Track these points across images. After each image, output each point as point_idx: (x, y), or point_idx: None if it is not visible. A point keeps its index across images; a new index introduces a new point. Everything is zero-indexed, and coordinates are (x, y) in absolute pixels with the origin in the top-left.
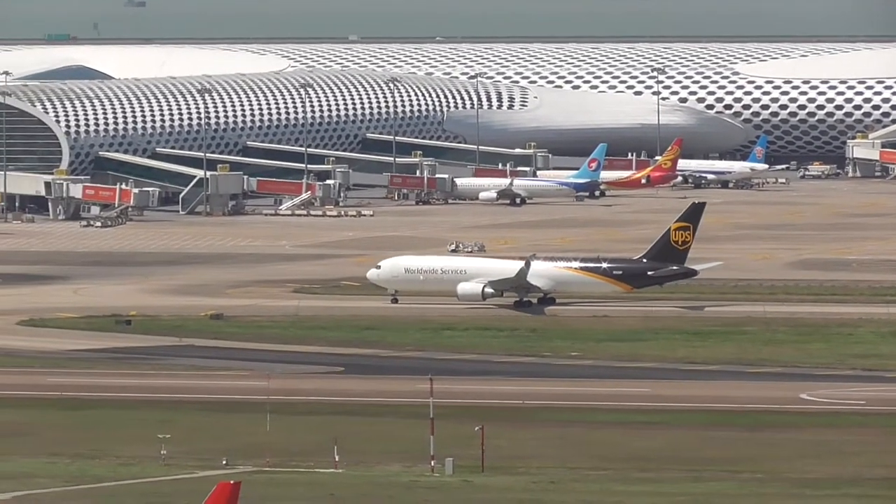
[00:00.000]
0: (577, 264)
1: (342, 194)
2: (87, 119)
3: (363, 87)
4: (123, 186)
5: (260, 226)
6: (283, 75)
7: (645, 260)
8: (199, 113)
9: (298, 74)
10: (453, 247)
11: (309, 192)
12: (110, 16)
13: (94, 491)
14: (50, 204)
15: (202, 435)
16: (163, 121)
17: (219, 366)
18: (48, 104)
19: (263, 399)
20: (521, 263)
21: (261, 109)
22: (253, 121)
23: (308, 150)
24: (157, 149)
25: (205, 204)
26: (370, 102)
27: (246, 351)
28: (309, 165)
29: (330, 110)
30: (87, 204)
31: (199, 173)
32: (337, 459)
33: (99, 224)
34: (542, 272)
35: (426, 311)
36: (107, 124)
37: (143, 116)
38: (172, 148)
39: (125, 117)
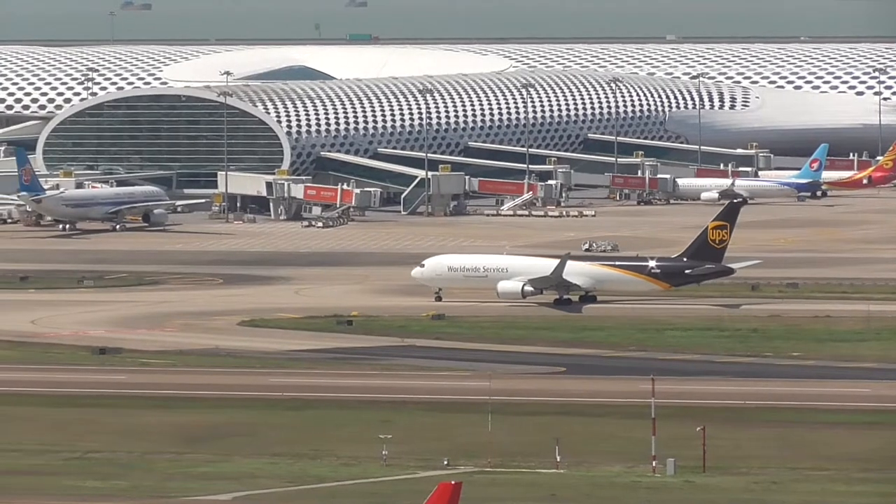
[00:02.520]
0: (616, 263)
1: (564, 194)
2: (308, 119)
3: (585, 87)
4: (345, 187)
5: (481, 226)
6: (504, 75)
7: (685, 259)
8: (420, 113)
9: (520, 75)
10: (587, 246)
11: (530, 192)
12: (331, 15)
13: (316, 491)
14: (271, 204)
15: (423, 435)
16: (384, 121)
17: (440, 366)
18: (269, 104)
19: (485, 399)
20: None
21: (482, 110)
22: (474, 121)
23: (530, 150)
24: (379, 149)
25: (426, 204)
26: (592, 103)
27: (467, 351)
28: (530, 166)
29: (552, 110)
30: (309, 204)
31: (421, 173)
32: (558, 460)
33: (320, 224)
34: (582, 270)
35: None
36: (328, 124)
37: (365, 117)
38: (394, 148)
39: (346, 117)
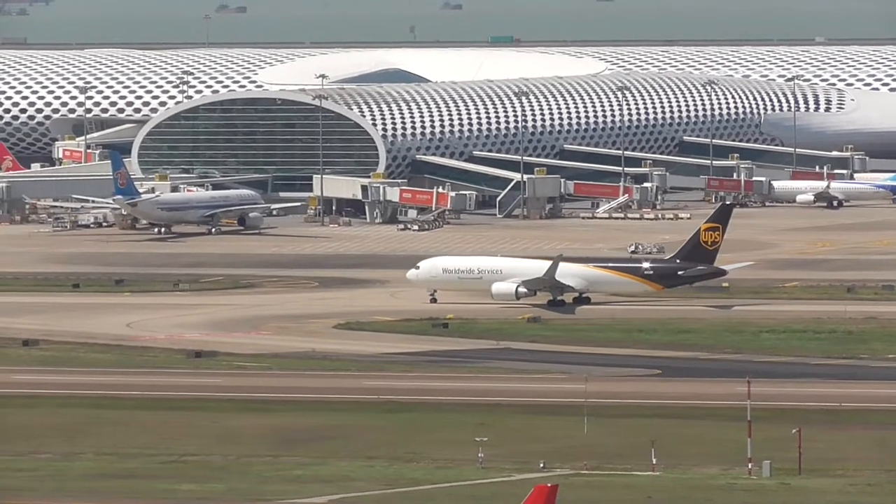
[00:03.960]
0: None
1: (659, 197)
2: (403, 122)
3: (680, 89)
4: (440, 190)
5: (577, 229)
6: (600, 78)
7: (678, 260)
8: (515, 116)
9: (615, 77)
10: (633, 248)
11: (626, 194)
12: (426, 18)
13: (411, 494)
14: (367, 207)
15: (519, 438)
16: (479, 124)
17: (536, 369)
18: (365, 107)
19: (581, 402)
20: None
21: (577, 112)
22: (570, 124)
23: (625, 152)
24: (474, 152)
25: (522, 207)
26: (687, 105)
27: (563, 354)
28: (626, 168)
29: (647, 113)
30: (404, 207)
31: (516, 176)
32: (654, 462)
33: (416, 227)
34: (576, 272)
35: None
36: (423, 127)
37: (460, 119)
38: (489, 151)
39: (442, 120)
